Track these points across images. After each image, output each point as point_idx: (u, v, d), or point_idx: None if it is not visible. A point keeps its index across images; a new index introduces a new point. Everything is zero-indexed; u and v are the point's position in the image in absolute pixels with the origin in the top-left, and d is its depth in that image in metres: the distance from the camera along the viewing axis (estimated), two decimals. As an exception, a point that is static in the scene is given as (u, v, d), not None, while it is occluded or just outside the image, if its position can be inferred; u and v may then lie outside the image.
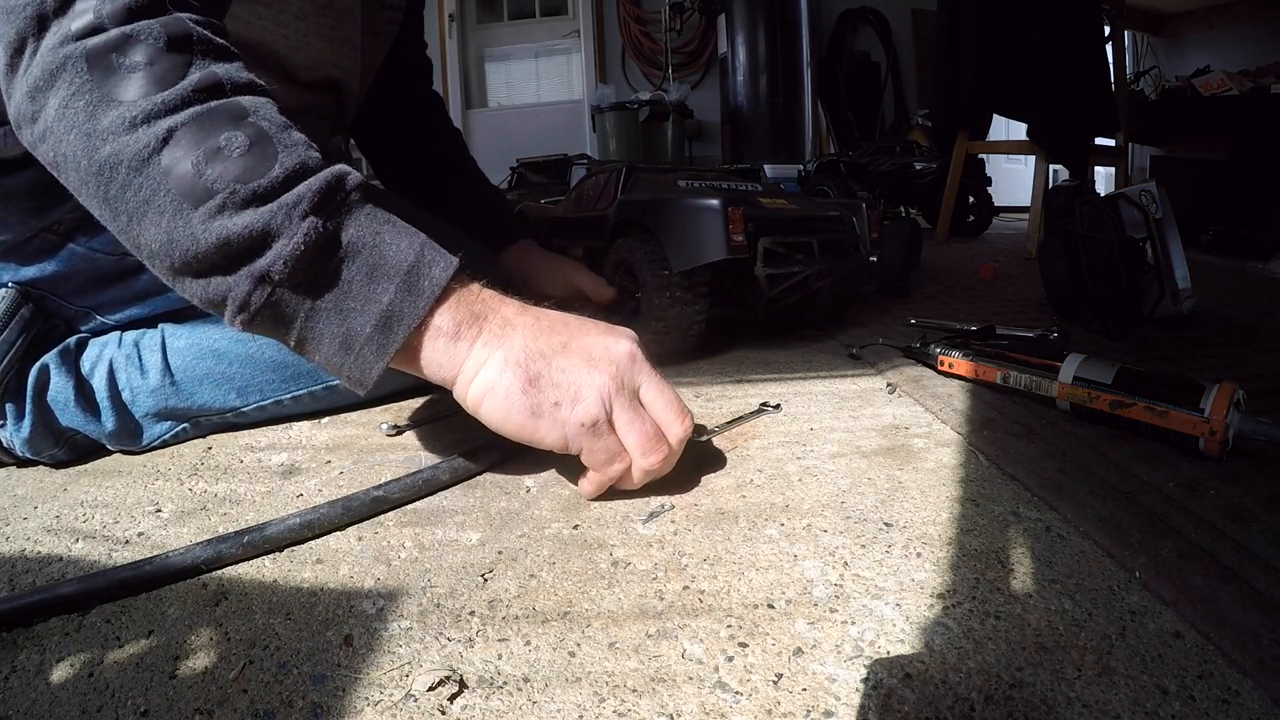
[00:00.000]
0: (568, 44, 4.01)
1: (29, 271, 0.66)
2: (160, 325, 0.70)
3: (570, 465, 0.61)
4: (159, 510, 0.55)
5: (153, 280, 0.67)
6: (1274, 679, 0.34)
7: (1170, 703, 0.33)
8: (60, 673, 0.37)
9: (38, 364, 0.65)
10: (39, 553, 0.49)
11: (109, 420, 0.64)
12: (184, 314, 0.71)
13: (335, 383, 0.72)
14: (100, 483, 0.60)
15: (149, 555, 0.46)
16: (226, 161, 0.41)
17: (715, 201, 0.82)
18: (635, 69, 3.86)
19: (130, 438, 0.65)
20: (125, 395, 0.65)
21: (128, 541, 0.50)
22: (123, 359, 0.66)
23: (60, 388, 0.63)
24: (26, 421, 0.61)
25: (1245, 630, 0.37)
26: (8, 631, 0.40)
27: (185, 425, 0.68)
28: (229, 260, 0.42)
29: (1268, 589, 0.41)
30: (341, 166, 0.45)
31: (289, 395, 0.71)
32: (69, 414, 0.63)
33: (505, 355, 0.46)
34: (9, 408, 0.62)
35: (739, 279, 0.92)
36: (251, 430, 0.71)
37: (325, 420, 0.73)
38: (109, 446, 0.65)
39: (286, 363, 0.70)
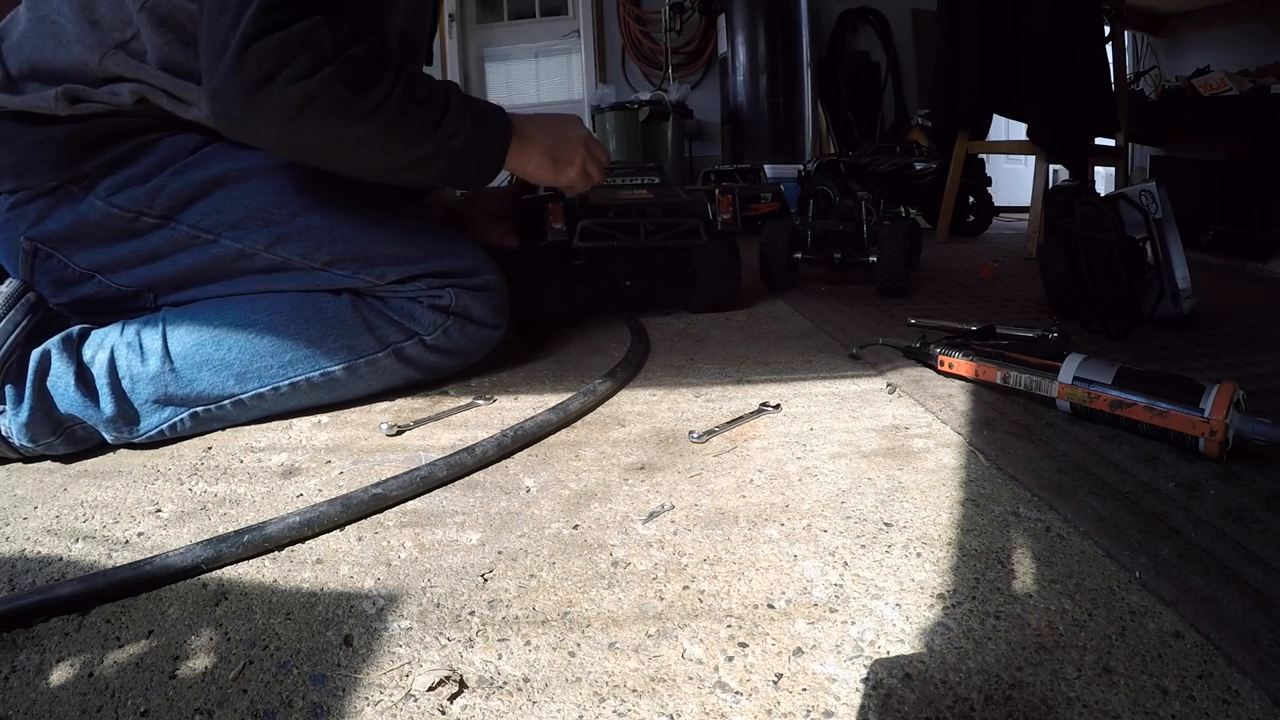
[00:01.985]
0: (568, 44, 4.00)
1: (46, 223, 0.68)
2: (163, 314, 0.71)
3: (570, 465, 0.61)
4: (159, 510, 0.55)
5: (161, 242, 0.70)
6: (1274, 679, 0.34)
7: (1170, 703, 0.33)
8: (60, 673, 0.37)
9: (39, 349, 0.65)
10: (39, 553, 0.49)
11: (107, 406, 0.64)
12: (186, 281, 0.72)
13: (333, 369, 0.73)
14: (100, 483, 0.60)
15: (149, 555, 0.46)
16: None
17: (546, 198, 1.03)
18: (635, 69, 3.85)
19: (128, 425, 0.66)
20: (125, 383, 0.66)
21: (128, 542, 0.50)
22: (124, 346, 0.67)
23: (61, 373, 0.64)
24: (25, 406, 0.62)
25: (1245, 630, 0.38)
26: (8, 631, 0.40)
27: (184, 416, 0.68)
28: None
29: (1268, 589, 0.41)
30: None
31: (287, 381, 0.71)
32: (68, 399, 0.63)
33: (542, 156, 0.84)
34: (9, 391, 0.62)
35: (612, 257, 1.16)
36: (251, 430, 0.71)
37: (325, 420, 0.73)
38: (107, 436, 0.65)
39: (285, 347, 0.71)
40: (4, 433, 0.62)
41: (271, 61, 0.58)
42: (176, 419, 0.67)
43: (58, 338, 0.66)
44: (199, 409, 0.68)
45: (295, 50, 0.58)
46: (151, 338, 0.68)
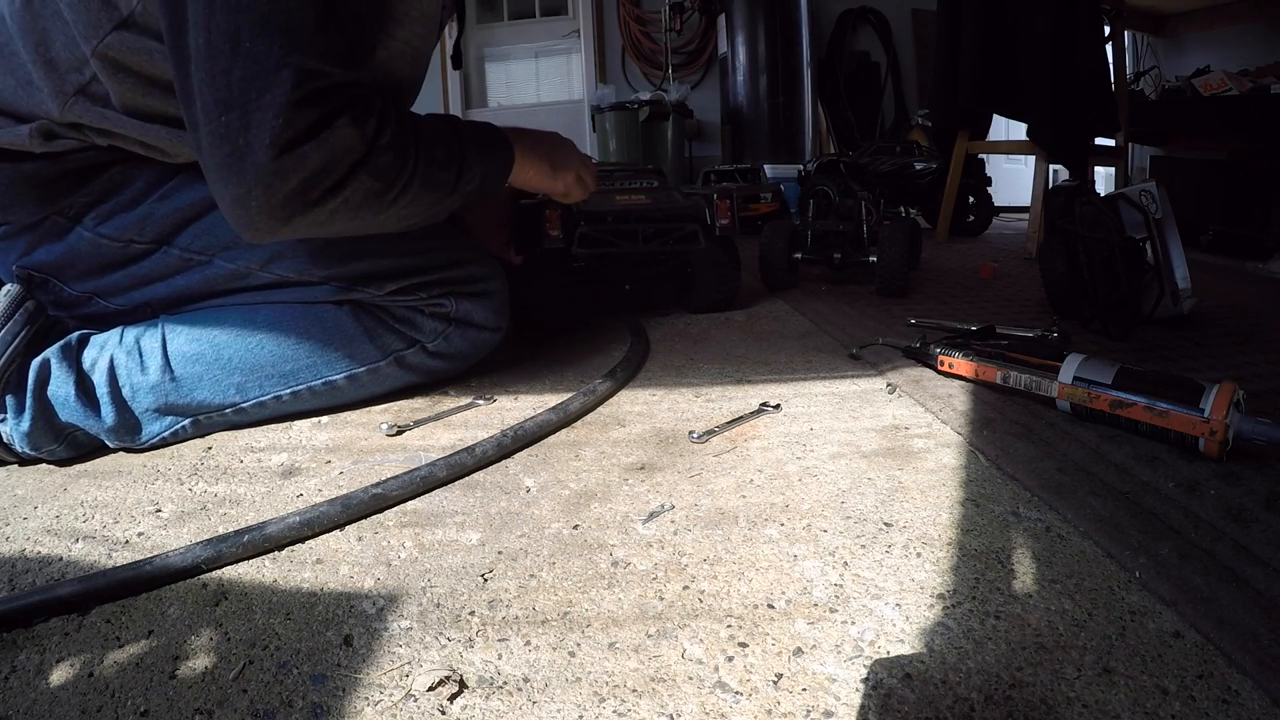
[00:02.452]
0: (568, 44, 4.00)
1: (36, 254, 0.67)
2: (161, 321, 0.70)
3: (570, 465, 0.61)
4: (159, 510, 0.55)
5: (154, 267, 0.69)
6: (1274, 679, 0.34)
7: (1170, 703, 0.33)
8: (60, 673, 0.37)
9: (39, 358, 0.65)
10: (39, 553, 0.49)
11: (109, 416, 0.64)
12: (183, 300, 0.72)
13: (335, 378, 0.73)
14: (100, 483, 0.60)
15: (149, 555, 0.46)
16: None
17: (543, 205, 1.02)
18: (635, 69, 3.85)
19: (129, 434, 0.65)
20: (125, 392, 0.65)
21: (128, 542, 0.50)
22: (124, 355, 0.67)
23: (61, 382, 0.64)
24: (27, 415, 0.61)
25: (1245, 630, 0.38)
26: (8, 631, 0.40)
27: (185, 423, 0.68)
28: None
29: (1268, 589, 0.41)
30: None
31: (288, 390, 0.71)
32: (69, 409, 0.63)
33: (539, 162, 0.83)
34: (10, 401, 0.62)
35: (613, 260, 1.16)
36: (251, 430, 0.71)
37: (325, 420, 0.73)
38: (108, 444, 0.65)
39: (286, 356, 0.70)
40: (5, 440, 0.62)
41: (299, 177, 0.53)
42: (178, 426, 0.67)
43: (57, 346, 0.66)
44: (200, 417, 0.68)
45: (327, 163, 0.54)
46: (151, 346, 0.67)
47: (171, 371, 0.67)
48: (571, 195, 0.89)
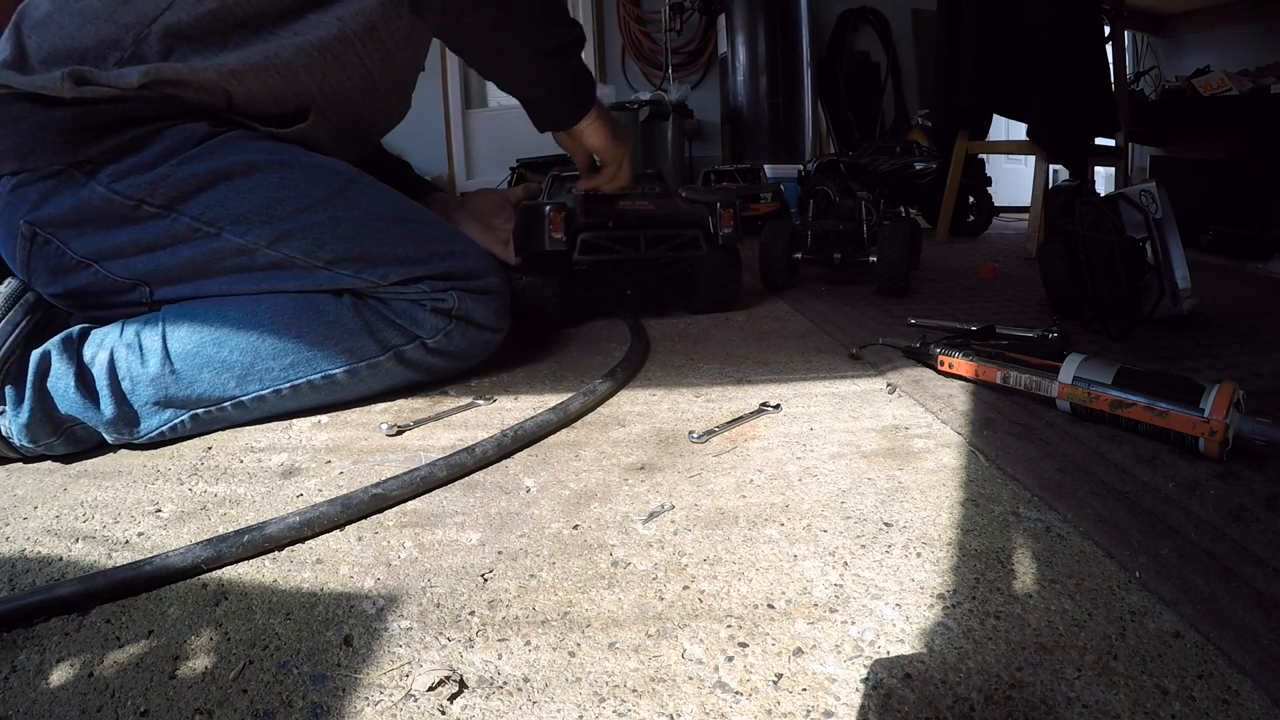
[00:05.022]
0: (568, 44, 4.02)
1: (46, 208, 0.67)
2: (162, 315, 0.70)
3: (570, 465, 0.61)
4: (159, 510, 0.55)
5: (161, 233, 0.69)
6: (1274, 679, 0.34)
7: (1170, 703, 0.33)
8: (60, 673, 0.37)
9: (39, 350, 0.65)
10: (39, 553, 0.49)
11: (108, 408, 0.64)
12: (185, 275, 0.72)
13: (334, 372, 0.73)
14: (100, 483, 0.60)
15: (149, 555, 0.46)
16: None
17: (546, 206, 1.02)
18: (635, 69, 3.85)
19: (128, 427, 0.65)
20: (125, 384, 0.65)
21: (128, 542, 0.50)
22: (124, 349, 0.67)
23: (61, 374, 0.64)
24: (26, 407, 0.61)
25: (1245, 630, 0.38)
26: (8, 631, 0.40)
27: (184, 418, 0.68)
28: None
29: (1268, 589, 0.41)
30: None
31: (288, 384, 0.71)
32: (68, 401, 0.63)
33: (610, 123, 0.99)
34: (9, 392, 0.62)
35: (615, 266, 1.15)
36: (251, 430, 0.71)
37: (325, 420, 0.73)
38: (107, 438, 0.65)
39: (286, 349, 0.70)
40: (4, 433, 0.62)
41: None
42: (177, 420, 0.67)
43: (58, 338, 0.66)
44: (199, 411, 0.68)
45: None
46: (151, 339, 0.67)
47: (171, 364, 0.67)
48: (613, 171, 1.02)
